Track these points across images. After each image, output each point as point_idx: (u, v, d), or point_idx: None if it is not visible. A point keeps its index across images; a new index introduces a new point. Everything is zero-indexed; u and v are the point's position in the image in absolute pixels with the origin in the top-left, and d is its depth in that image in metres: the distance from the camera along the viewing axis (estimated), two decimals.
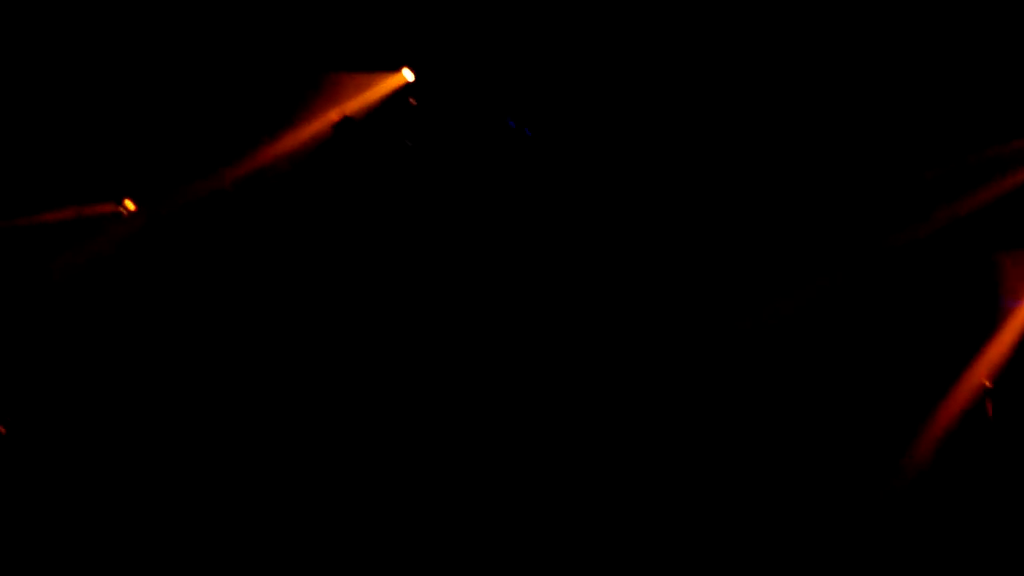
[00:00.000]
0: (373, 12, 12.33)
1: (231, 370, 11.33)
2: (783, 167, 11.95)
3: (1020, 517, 10.73)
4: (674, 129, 12.16)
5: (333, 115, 12.15)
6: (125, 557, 10.29)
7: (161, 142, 12.22)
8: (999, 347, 11.54)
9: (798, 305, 11.62)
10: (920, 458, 11.21)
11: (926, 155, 11.79)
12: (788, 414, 11.37)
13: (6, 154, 11.98)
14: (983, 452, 11.10)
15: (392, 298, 11.66)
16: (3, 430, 10.58)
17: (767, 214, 11.91)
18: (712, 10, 11.98)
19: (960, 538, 10.79)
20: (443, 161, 12.28)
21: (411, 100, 12.50)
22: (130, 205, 12.27)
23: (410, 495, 10.87)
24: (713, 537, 10.84)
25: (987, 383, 11.07)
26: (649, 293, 11.79)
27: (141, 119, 12.17)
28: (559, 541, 10.73)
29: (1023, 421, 11.11)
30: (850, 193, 11.90)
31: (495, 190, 12.18)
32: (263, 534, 10.58)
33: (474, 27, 12.48)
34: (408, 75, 12.47)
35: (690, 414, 11.39)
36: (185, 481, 10.81)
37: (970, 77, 11.64)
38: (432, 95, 12.51)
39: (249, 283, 11.71)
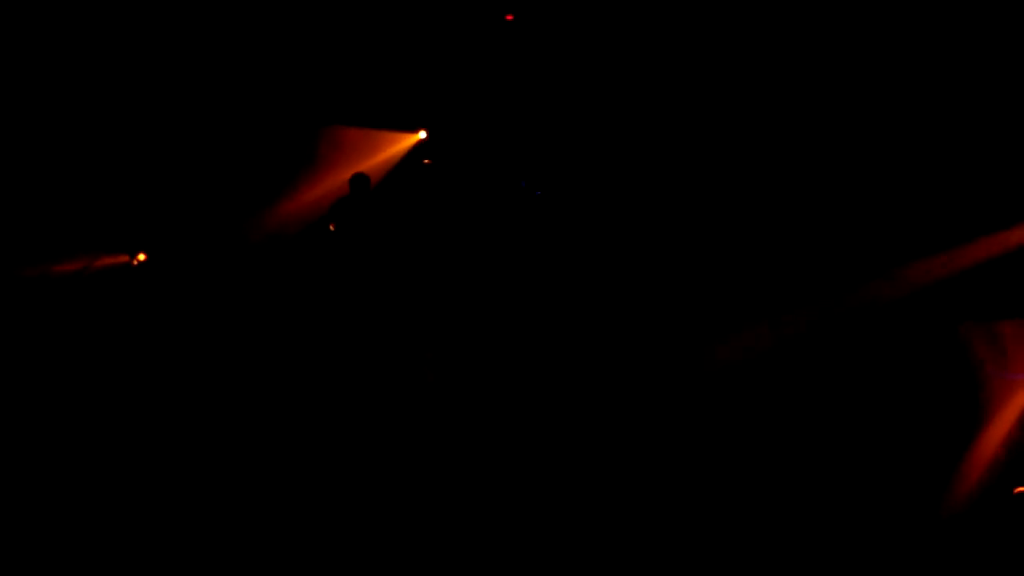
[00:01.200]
0: (391, 73, 12.53)
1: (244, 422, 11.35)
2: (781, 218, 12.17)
3: None
4: (675, 197, 12.40)
5: (348, 171, 12.26)
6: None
7: (178, 196, 12.32)
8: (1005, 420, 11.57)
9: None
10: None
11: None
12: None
13: (20, 207, 12.04)
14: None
15: (404, 342, 11.74)
16: None
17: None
18: (711, 96, 12.33)
19: None
20: (455, 218, 12.42)
21: (425, 160, 12.65)
22: (142, 257, 12.31)
23: (412, 495, 10.88)
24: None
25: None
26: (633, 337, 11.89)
27: (160, 174, 12.29)
28: (557, 541, 10.70)
29: None
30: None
31: (505, 247, 12.32)
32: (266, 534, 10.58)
33: (488, 92, 12.71)
34: (423, 135, 12.64)
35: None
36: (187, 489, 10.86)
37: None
38: (446, 155, 12.67)
39: (268, 335, 11.76)
